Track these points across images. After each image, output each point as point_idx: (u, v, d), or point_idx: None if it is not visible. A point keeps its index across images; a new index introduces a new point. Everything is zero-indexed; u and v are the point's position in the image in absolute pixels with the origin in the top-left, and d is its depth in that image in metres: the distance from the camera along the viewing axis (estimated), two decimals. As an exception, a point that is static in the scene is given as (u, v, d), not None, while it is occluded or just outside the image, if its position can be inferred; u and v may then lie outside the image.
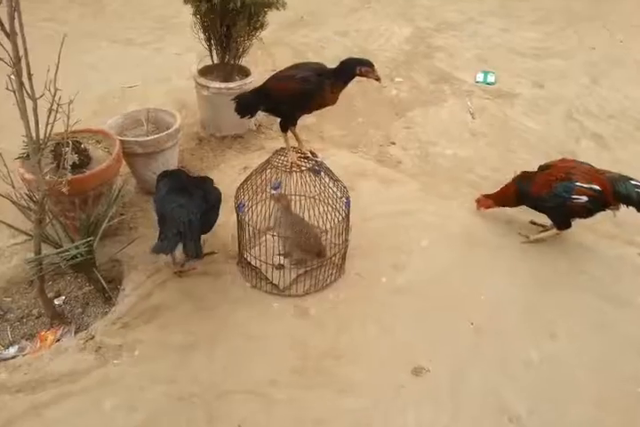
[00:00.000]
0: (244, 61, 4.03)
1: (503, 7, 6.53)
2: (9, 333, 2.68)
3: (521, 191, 3.06)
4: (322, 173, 2.57)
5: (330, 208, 2.76)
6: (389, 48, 5.55)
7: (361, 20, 6.19)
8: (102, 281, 2.69)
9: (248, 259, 2.85)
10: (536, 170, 3.09)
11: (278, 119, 2.77)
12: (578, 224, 3.13)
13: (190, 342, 2.59)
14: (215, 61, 3.94)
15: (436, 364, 2.52)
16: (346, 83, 2.61)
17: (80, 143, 2.94)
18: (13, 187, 2.41)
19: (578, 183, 2.85)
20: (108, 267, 2.95)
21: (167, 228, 2.49)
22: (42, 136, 2.16)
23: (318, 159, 2.58)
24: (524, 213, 3.39)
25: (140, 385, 2.40)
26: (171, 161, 3.47)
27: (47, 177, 2.56)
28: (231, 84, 3.81)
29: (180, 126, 3.39)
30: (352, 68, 2.58)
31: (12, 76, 1.97)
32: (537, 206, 3.07)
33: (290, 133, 2.69)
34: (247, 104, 2.85)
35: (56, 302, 2.82)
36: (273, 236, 2.67)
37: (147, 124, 3.41)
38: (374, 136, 4.22)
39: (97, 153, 3.06)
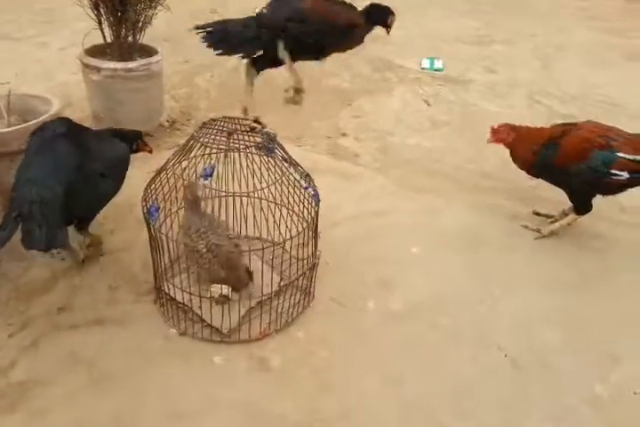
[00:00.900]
0: (146, 39, 3.13)
1: (436, -1, 6.13)
2: None
3: (540, 160, 2.32)
4: (276, 152, 1.70)
5: (289, 206, 1.89)
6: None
7: (282, 11, 5.48)
8: None
9: (171, 293, 1.90)
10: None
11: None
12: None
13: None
14: (108, 39, 3.00)
15: (470, 422, 1.68)
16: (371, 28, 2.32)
17: None
18: None
19: (620, 154, 2.17)
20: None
21: (7, 212, 1.73)
22: None
23: (270, 131, 1.71)
24: (524, 203, 2.70)
25: None
26: (48, 164, 2.46)
27: None
28: (131, 64, 2.89)
29: (59, 113, 2.41)
30: (385, 17, 2.46)
31: None
32: (559, 181, 2.37)
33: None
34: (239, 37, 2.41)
35: None
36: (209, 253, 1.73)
37: (6, 114, 2.40)
38: (320, 127, 3.44)
39: None
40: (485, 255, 2.33)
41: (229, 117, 1.76)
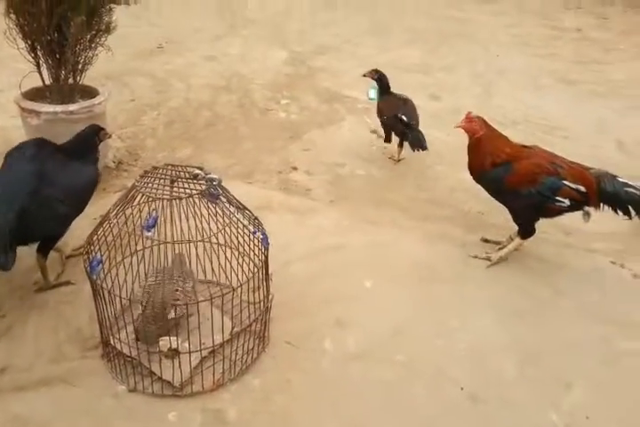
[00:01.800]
0: (88, 81, 3.08)
1: (375, 30, 6.32)
2: None
3: (494, 174, 2.35)
4: (221, 198, 1.67)
5: (237, 252, 1.85)
6: (266, 71, 4.91)
7: (230, 45, 5.54)
8: None
9: (118, 347, 1.83)
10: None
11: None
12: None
13: None
14: (47, 81, 2.94)
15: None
16: None
17: None
18: None
19: (566, 182, 2.25)
20: None
21: None
22: None
23: (214, 177, 1.68)
24: (472, 231, 2.75)
25: None
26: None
27: None
28: (72, 107, 2.82)
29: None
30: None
31: None
32: (505, 200, 2.43)
33: None
34: None
35: None
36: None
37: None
38: (270, 163, 3.44)
39: None
40: (438, 286, 2.35)
41: (172, 165, 1.73)
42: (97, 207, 2.85)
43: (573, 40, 6.42)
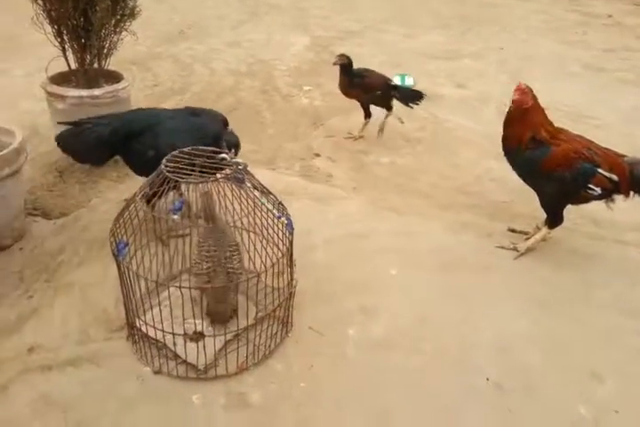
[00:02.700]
0: (113, 65, 3.08)
1: (399, 15, 6.23)
2: None
3: (528, 155, 2.26)
4: (246, 183, 1.66)
5: (262, 237, 1.84)
6: (289, 57, 4.88)
7: (252, 31, 5.51)
8: None
9: (143, 329, 1.83)
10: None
11: None
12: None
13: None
14: (73, 66, 2.95)
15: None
16: None
17: None
18: None
19: (600, 170, 2.19)
20: None
21: None
22: None
23: (240, 161, 1.66)
24: (498, 220, 2.70)
25: None
26: (11, 199, 2.39)
27: None
28: (97, 91, 2.83)
29: (22, 146, 2.34)
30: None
31: None
32: (536, 183, 2.35)
33: None
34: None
35: None
36: (180, 288, 1.66)
37: (-31, 148, 2.32)
38: (292, 149, 3.42)
39: None
40: (464, 275, 2.31)
41: (198, 149, 1.72)
42: (119, 192, 2.88)
43: (604, 26, 6.25)
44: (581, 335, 2.07)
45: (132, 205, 1.69)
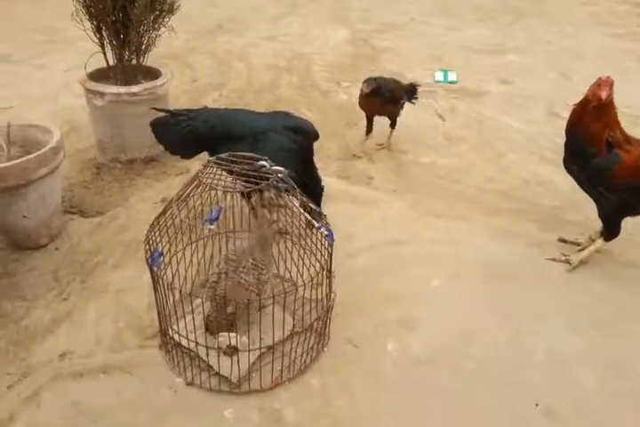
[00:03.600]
0: (151, 61, 3.04)
1: (442, 7, 6.03)
2: None
3: (598, 163, 2.05)
4: (286, 191, 1.57)
5: (299, 246, 1.76)
6: (328, 51, 4.76)
7: (290, 24, 5.41)
8: None
9: (176, 338, 1.78)
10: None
11: None
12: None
13: None
14: (111, 62, 2.91)
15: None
16: None
17: None
18: None
19: None
20: None
21: None
22: None
23: (280, 169, 1.57)
24: (547, 228, 2.55)
25: None
26: (49, 198, 2.37)
27: None
28: (135, 88, 2.79)
29: (60, 144, 2.32)
30: None
31: None
32: (600, 192, 2.15)
33: None
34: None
35: None
36: (213, 299, 1.59)
37: (7, 146, 2.31)
38: (330, 148, 3.32)
39: None
40: (511, 288, 2.18)
41: (236, 154, 1.64)
42: (157, 190, 2.84)
43: (659, 18, 5.91)
44: (639, 357, 1.92)
45: (169, 211, 1.63)
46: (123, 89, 2.76)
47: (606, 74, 4.64)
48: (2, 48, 4.57)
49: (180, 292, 1.62)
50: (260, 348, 1.74)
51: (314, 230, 1.66)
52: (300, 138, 2.23)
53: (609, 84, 2.05)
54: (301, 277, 1.71)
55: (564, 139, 2.23)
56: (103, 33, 2.75)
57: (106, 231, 2.55)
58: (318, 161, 3.17)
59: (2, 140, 2.32)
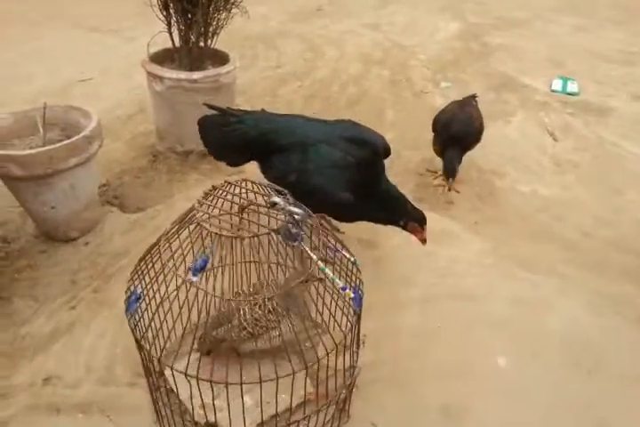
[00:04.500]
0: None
1: (574, 3, 5.24)
2: None
3: None
4: (300, 240, 1.16)
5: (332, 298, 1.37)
6: (433, 45, 4.24)
7: (396, 12, 4.92)
8: None
9: (162, 387, 1.47)
10: None
11: None
12: None
13: None
14: (177, 43, 2.64)
15: None
16: None
17: None
18: None
19: None
20: None
21: None
22: None
23: (296, 211, 1.16)
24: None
25: None
26: (80, 189, 2.15)
27: None
28: (195, 75, 2.50)
29: (95, 133, 2.07)
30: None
31: None
32: None
33: None
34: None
35: None
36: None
37: (43, 129, 2.10)
38: (410, 160, 2.87)
39: None
40: (604, 381, 1.66)
41: (247, 181, 1.28)
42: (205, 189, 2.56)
43: None
44: None
45: (156, 249, 1.31)
46: (183, 74, 2.48)
47: None
48: (94, 18, 4.51)
49: (160, 361, 1.28)
50: (263, 418, 1.37)
51: (339, 290, 1.26)
52: (363, 152, 1.87)
53: None
54: (323, 346, 1.32)
55: None
56: (170, 10, 2.47)
57: (139, 231, 2.31)
58: (393, 174, 2.76)
59: (39, 121, 2.11)
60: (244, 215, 1.26)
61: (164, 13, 2.48)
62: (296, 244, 1.17)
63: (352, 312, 1.30)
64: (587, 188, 2.70)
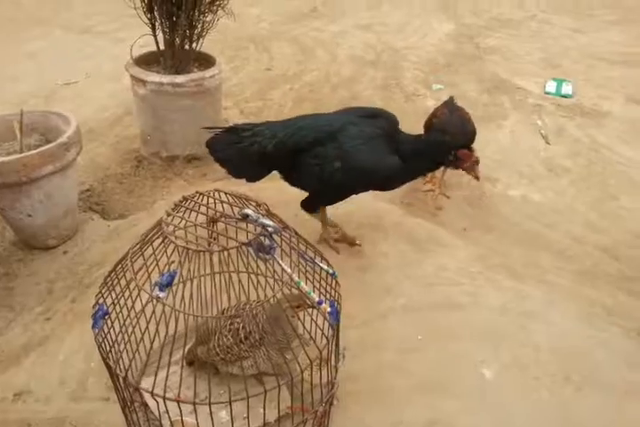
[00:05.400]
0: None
1: (571, 3, 5.18)
2: None
3: None
4: (274, 253, 1.11)
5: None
6: (425, 46, 4.19)
7: (391, 13, 4.87)
8: None
9: (138, 398, 1.41)
10: None
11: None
12: None
13: None
14: (162, 45, 2.59)
15: None
16: None
17: None
18: None
19: None
20: None
21: None
22: None
23: (268, 223, 1.11)
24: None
25: None
26: (58, 197, 2.10)
27: None
28: (179, 79, 2.45)
29: (72, 140, 2.02)
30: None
31: None
32: None
33: None
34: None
35: None
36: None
37: (20, 135, 2.05)
38: (399, 165, 2.79)
39: None
40: (593, 396, 1.60)
41: (220, 192, 1.23)
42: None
43: None
44: None
45: (123, 263, 1.25)
46: (165, 78, 2.43)
47: None
48: (84, 20, 4.46)
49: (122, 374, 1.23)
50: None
51: (316, 304, 1.20)
52: (381, 122, 1.94)
53: None
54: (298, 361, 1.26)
55: None
56: (155, 13, 2.42)
57: (119, 240, 2.25)
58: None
59: (16, 127, 2.06)
60: (215, 228, 1.21)
61: (149, 16, 2.43)
62: (269, 257, 1.11)
63: (328, 329, 1.25)
64: (579, 193, 2.65)
